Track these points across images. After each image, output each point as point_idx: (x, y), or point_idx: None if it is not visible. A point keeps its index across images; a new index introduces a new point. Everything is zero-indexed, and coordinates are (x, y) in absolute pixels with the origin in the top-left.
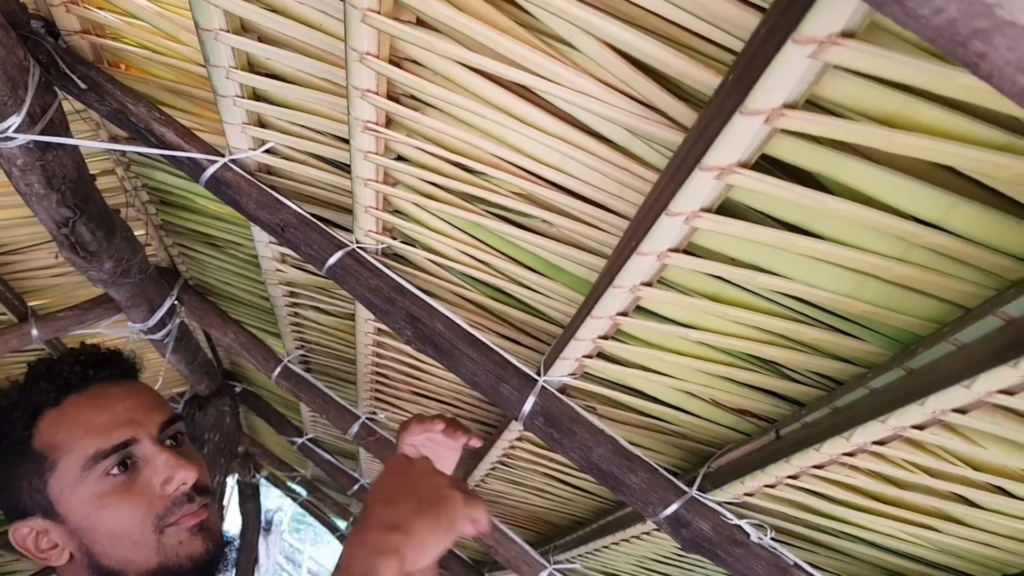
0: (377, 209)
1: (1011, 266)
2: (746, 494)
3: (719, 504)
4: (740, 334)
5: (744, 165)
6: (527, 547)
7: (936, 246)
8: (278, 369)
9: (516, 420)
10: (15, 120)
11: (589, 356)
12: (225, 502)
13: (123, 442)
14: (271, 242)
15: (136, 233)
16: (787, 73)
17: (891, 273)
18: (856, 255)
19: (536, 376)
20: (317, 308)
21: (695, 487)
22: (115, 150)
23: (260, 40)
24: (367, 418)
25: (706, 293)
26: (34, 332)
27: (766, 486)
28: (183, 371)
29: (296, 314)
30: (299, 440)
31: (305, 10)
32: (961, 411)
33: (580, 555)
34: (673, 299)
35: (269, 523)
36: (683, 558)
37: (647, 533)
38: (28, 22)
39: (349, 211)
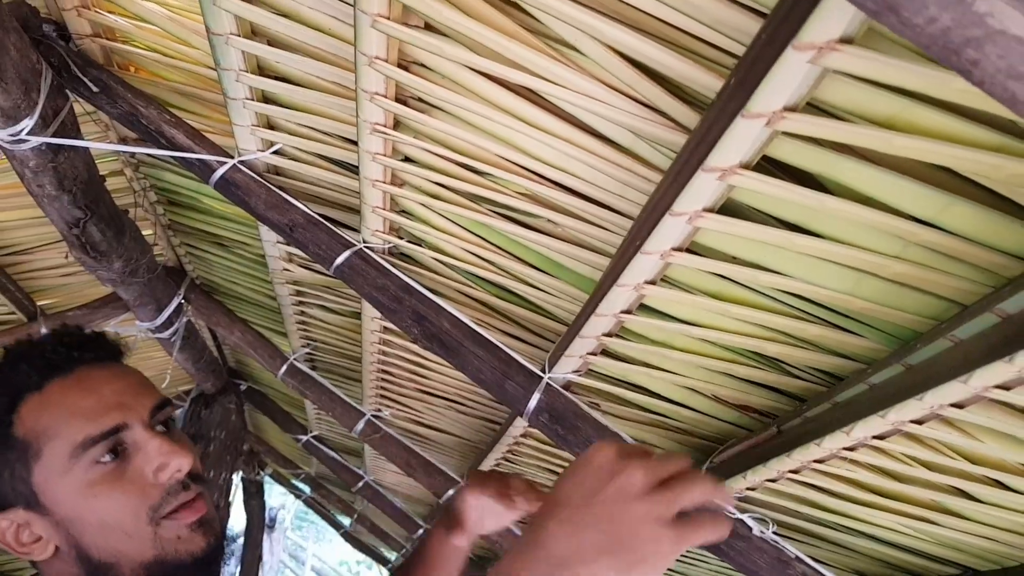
0: (384, 209)
1: (1007, 263)
2: (748, 488)
3: None
4: (742, 331)
5: (746, 166)
6: None
7: (933, 244)
8: (284, 367)
9: (521, 416)
10: (28, 123)
11: (593, 353)
12: (231, 499)
13: (113, 428)
14: (279, 242)
15: (144, 233)
16: (788, 77)
17: (890, 271)
18: (855, 253)
19: (541, 373)
20: (323, 307)
21: None
22: (127, 152)
23: (270, 44)
24: (372, 415)
25: (708, 291)
26: (43, 331)
27: (768, 480)
28: (189, 369)
29: (302, 313)
30: (304, 437)
31: (315, 15)
32: (958, 406)
33: None
34: (676, 297)
35: (273, 520)
36: (686, 552)
37: None
38: (40, 26)
39: (356, 211)
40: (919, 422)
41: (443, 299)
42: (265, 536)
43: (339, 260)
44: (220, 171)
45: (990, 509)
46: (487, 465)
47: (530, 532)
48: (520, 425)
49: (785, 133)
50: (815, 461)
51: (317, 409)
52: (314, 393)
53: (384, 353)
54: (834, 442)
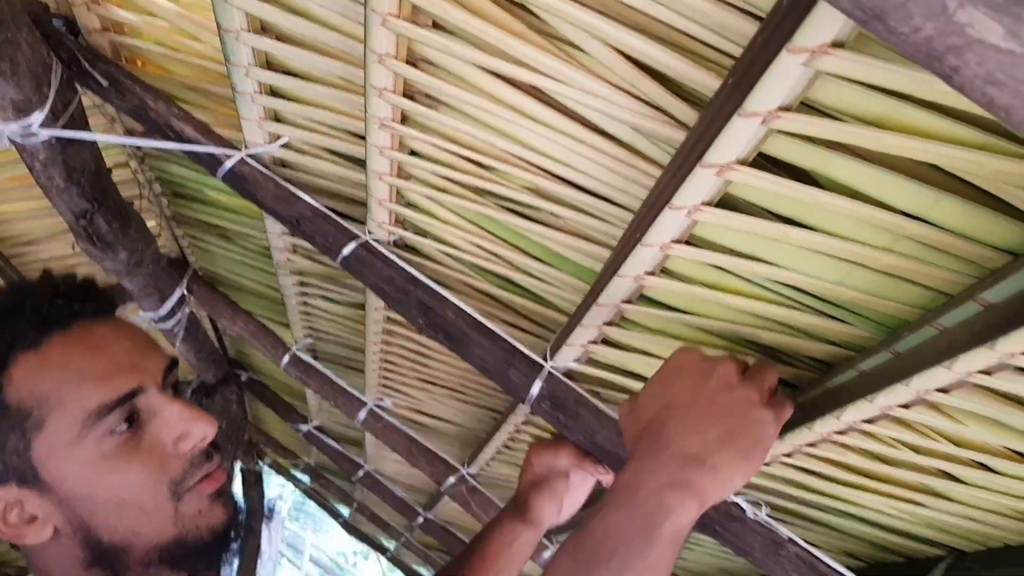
0: (390, 202)
1: (990, 255)
2: None
3: None
4: (737, 320)
5: (743, 162)
6: None
7: (921, 237)
8: (287, 357)
9: (524, 403)
10: (39, 116)
11: (594, 342)
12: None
13: (130, 392)
14: (283, 233)
15: (148, 224)
16: (782, 79)
17: (879, 262)
18: (846, 246)
19: (543, 362)
20: (327, 298)
21: None
22: (136, 145)
23: (279, 39)
24: (375, 405)
25: (706, 282)
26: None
27: (762, 464)
28: (191, 360)
29: (306, 303)
30: (305, 427)
31: (324, 12)
32: (943, 390)
33: None
34: (674, 287)
35: (271, 510)
36: None
37: None
38: (50, 21)
39: (362, 204)
40: (906, 406)
41: (447, 290)
42: (264, 526)
43: (345, 252)
44: (228, 164)
45: (975, 491)
46: (488, 454)
47: (648, 437)
48: (522, 413)
49: (780, 131)
50: (807, 445)
51: (319, 399)
52: (316, 383)
53: (387, 343)
54: (825, 426)
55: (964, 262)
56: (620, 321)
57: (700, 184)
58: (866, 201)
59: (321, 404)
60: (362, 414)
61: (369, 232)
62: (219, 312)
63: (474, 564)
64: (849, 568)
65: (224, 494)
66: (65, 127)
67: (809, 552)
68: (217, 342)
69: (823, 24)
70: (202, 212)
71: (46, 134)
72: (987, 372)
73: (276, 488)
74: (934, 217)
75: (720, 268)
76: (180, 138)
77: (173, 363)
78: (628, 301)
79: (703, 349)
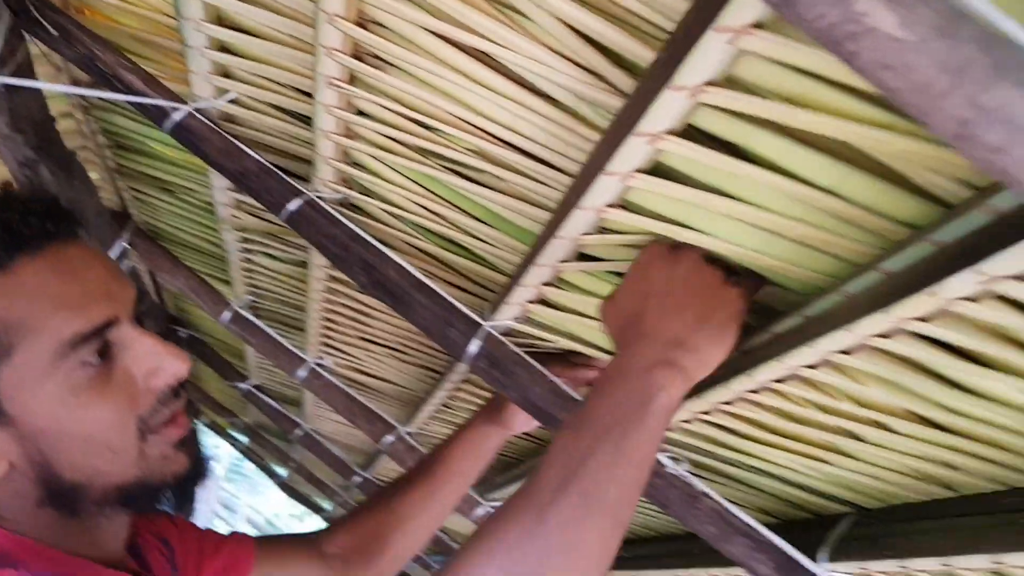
0: (336, 161)
1: (893, 228)
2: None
3: None
4: None
5: (672, 133)
6: None
7: (832, 210)
8: (228, 314)
9: (461, 361)
10: None
11: (532, 301)
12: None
13: (104, 322)
14: (228, 188)
15: (91, 176)
16: (708, 55)
17: (794, 232)
18: (764, 215)
19: (481, 320)
20: (269, 255)
21: None
22: (84, 95)
23: None
24: (315, 363)
25: (638, 245)
26: None
27: (682, 421)
28: None
29: (248, 260)
30: (245, 386)
31: None
32: (846, 352)
33: None
34: (609, 248)
35: None
36: (644, 504)
37: None
38: None
39: (308, 161)
40: (813, 367)
41: (391, 249)
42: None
43: (290, 208)
44: (175, 117)
45: (877, 450)
46: (426, 413)
47: (630, 328)
48: (460, 371)
49: (707, 105)
50: (724, 403)
51: (260, 357)
52: (257, 340)
53: (329, 302)
54: (740, 385)
55: (871, 234)
56: (557, 281)
57: (633, 152)
58: (784, 174)
59: (261, 362)
60: (302, 372)
61: (315, 190)
62: (160, 267)
63: (444, 457)
64: (762, 524)
65: (188, 442)
66: (13, 76)
67: (721, 504)
68: (157, 297)
69: (746, 5)
70: (146, 165)
71: None
72: (885, 336)
73: (211, 448)
74: (844, 191)
75: (652, 233)
76: (128, 90)
77: (141, 294)
78: (565, 260)
79: (663, 242)
